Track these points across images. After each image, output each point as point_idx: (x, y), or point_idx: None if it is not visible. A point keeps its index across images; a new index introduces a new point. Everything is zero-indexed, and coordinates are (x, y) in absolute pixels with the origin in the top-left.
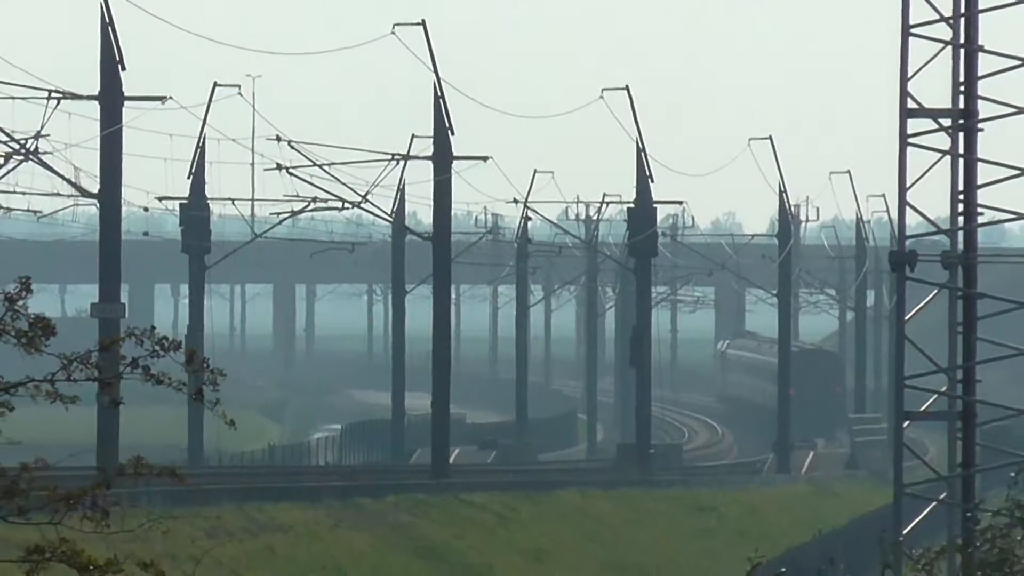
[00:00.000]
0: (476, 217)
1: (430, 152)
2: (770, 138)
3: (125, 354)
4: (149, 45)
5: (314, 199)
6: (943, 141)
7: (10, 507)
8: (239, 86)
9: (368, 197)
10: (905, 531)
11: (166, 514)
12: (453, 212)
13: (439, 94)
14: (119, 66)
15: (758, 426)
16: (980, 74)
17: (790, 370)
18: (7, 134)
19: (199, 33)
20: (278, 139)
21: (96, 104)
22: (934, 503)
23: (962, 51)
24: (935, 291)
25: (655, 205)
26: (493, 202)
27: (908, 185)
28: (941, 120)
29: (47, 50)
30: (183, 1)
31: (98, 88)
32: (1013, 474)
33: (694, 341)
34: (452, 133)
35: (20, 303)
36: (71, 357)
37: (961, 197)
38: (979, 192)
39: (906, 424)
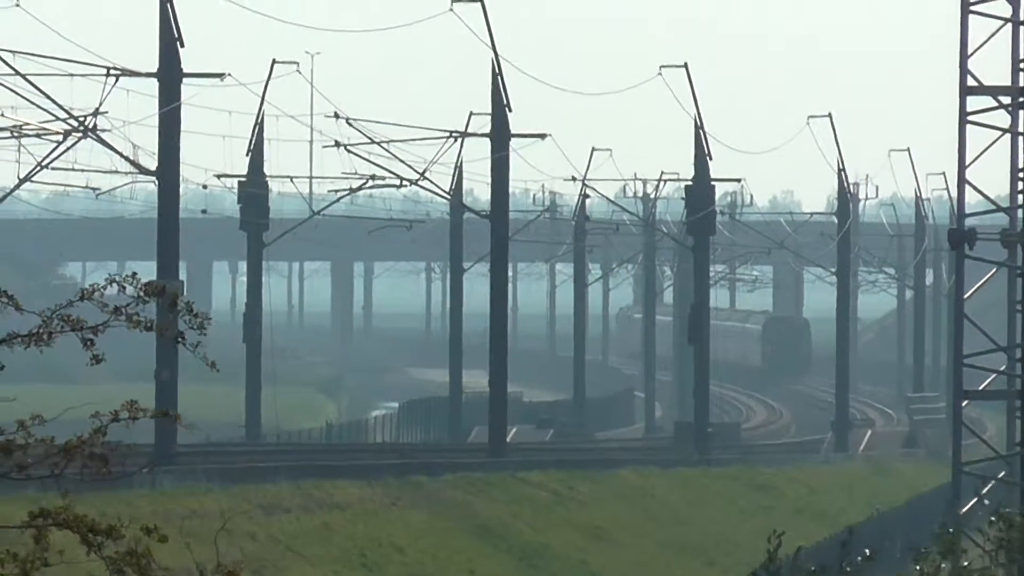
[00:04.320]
0: (534, 195)
1: (488, 129)
2: (829, 115)
3: (108, 302)
4: (208, 22)
5: (372, 176)
6: (1003, 119)
7: (9, 464)
8: (297, 63)
9: (426, 174)
10: (963, 510)
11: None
12: (511, 190)
13: (497, 71)
14: (178, 43)
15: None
16: None
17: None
18: (66, 111)
19: (257, 10)
20: (336, 116)
21: (155, 81)
22: (993, 482)
23: (1022, 28)
24: (994, 269)
25: (713, 183)
26: (551, 180)
27: (967, 163)
28: (1000, 98)
29: (106, 27)
30: None
31: (157, 65)
32: None
33: None
34: (510, 110)
35: None
36: (51, 314)
37: (1021, 175)
38: None
39: (965, 403)
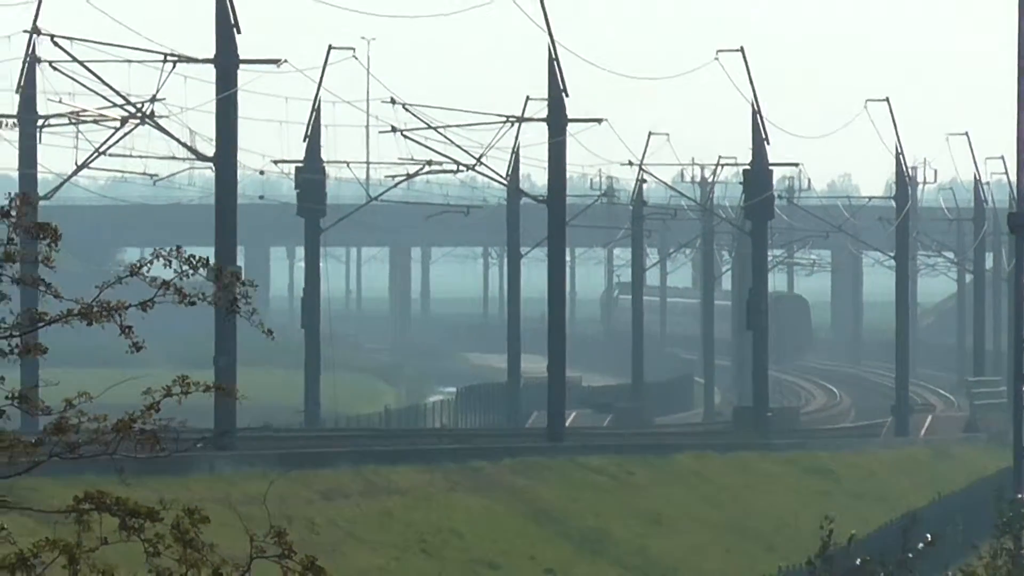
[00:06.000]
0: (591, 180)
1: (545, 114)
2: (887, 99)
3: (157, 276)
4: (264, 8)
5: (429, 162)
6: None
7: (61, 444)
8: (354, 48)
9: (483, 159)
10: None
11: (282, 474)
12: (568, 174)
13: (553, 56)
14: (234, 29)
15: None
16: None
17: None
18: (124, 98)
19: None
20: (392, 102)
21: (212, 67)
22: None
23: None
24: None
25: (771, 167)
26: (608, 164)
27: None
28: None
29: (163, 14)
30: None
31: (213, 51)
32: None
33: (812, 305)
34: (567, 95)
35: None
36: (92, 299)
37: None
38: None
39: None
